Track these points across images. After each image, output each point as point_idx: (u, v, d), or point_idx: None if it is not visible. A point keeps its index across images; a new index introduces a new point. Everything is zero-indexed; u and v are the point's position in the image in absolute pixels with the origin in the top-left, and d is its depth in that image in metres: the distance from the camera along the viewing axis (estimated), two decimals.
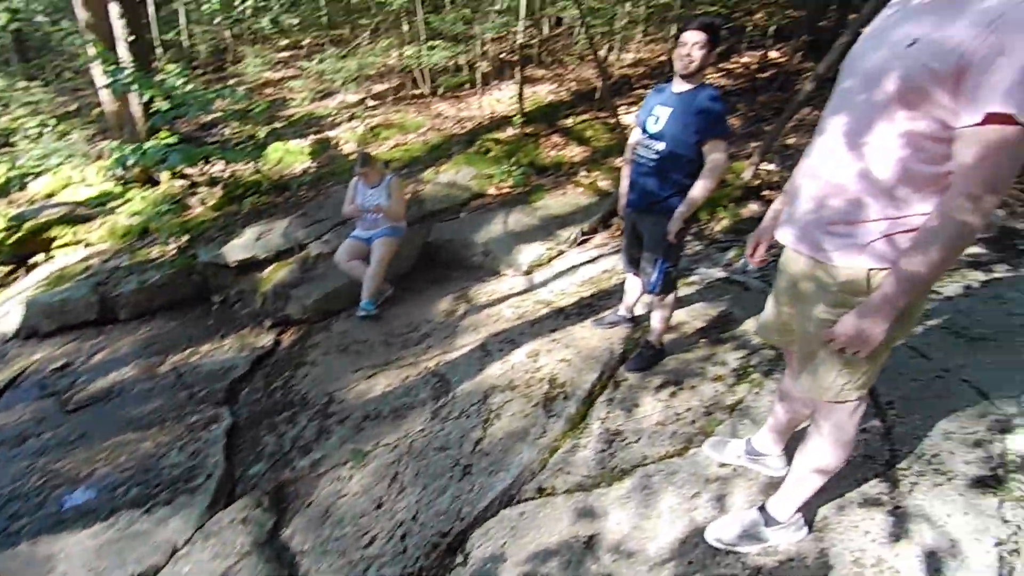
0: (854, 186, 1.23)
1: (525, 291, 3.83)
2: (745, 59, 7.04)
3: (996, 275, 3.32)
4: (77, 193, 6.35)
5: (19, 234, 5.39)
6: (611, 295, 3.52)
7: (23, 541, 2.38)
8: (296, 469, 2.64)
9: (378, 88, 7.40)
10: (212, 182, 6.29)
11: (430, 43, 5.67)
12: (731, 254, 3.98)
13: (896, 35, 1.16)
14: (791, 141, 5.29)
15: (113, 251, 5.33)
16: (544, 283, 3.88)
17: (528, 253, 4.18)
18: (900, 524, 1.74)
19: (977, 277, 3.29)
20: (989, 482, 1.86)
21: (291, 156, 6.24)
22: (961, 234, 1.08)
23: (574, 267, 3.99)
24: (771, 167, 4.86)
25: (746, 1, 7.65)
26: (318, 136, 6.58)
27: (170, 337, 4.21)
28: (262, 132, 6.70)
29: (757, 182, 4.73)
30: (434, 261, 4.51)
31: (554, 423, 2.51)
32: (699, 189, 2.32)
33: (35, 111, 6.58)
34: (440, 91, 6.48)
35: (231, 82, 8.99)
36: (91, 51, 5.54)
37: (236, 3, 6.89)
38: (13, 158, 6.32)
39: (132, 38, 5.91)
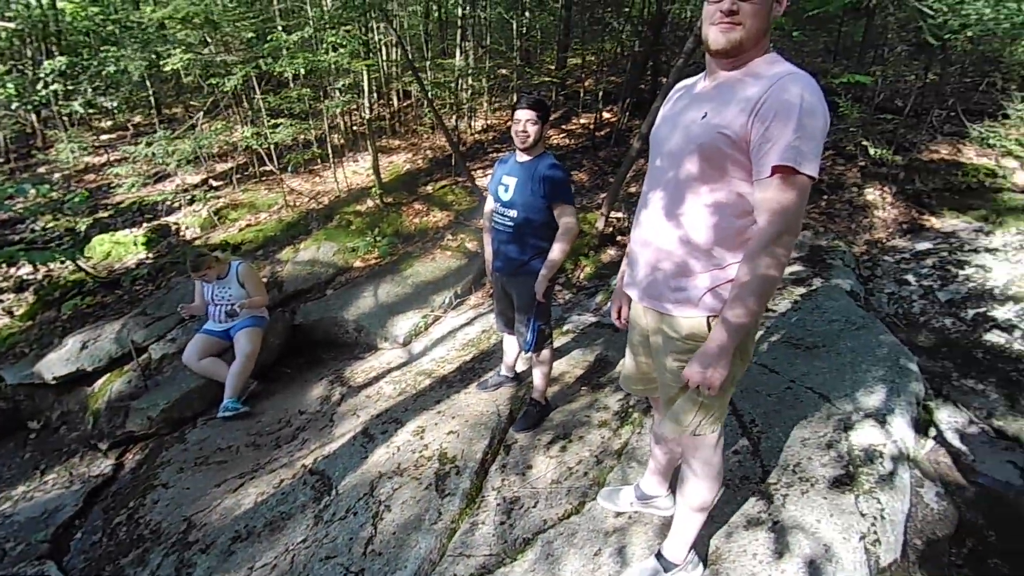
0: (679, 251, 1.39)
1: (404, 363, 3.69)
2: (583, 120, 7.76)
3: (814, 288, 3.87)
4: None
5: None
6: (492, 355, 3.51)
7: None
8: None
9: (221, 167, 6.95)
10: (20, 287, 5.35)
11: (273, 121, 5.47)
12: (599, 298, 4.21)
13: (686, 119, 1.37)
14: (633, 189, 5.85)
15: None
16: (424, 352, 3.77)
17: (404, 323, 4.06)
18: (780, 539, 1.85)
19: (800, 292, 3.80)
20: (844, 480, 2.07)
21: (121, 248, 5.54)
22: (767, 283, 1.26)
23: (452, 332, 3.94)
24: (620, 215, 5.31)
25: (575, 71, 8.52)
26: (153, 223, 5.95)
27: None
28: (82, 224, 5.90)
29: (610, 229, 5.13)
30: (303, 345, 4.20)
31: (449, 503, 2.37)
32: (556, 252, 2.45)
33: None
34: (291, 167, 6.24)
35: (41, 169, 7.89)
36: None
37: (39, 88, 6.14)
38: None
39: None
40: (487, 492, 2.41)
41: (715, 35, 1.26)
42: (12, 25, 6.39)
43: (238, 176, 6.50)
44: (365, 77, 5.64)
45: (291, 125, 5.33)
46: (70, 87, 6.52)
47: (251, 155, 6.41)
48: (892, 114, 6.50)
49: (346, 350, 4.10)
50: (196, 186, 6.38)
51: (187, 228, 5.81)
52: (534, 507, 2.27)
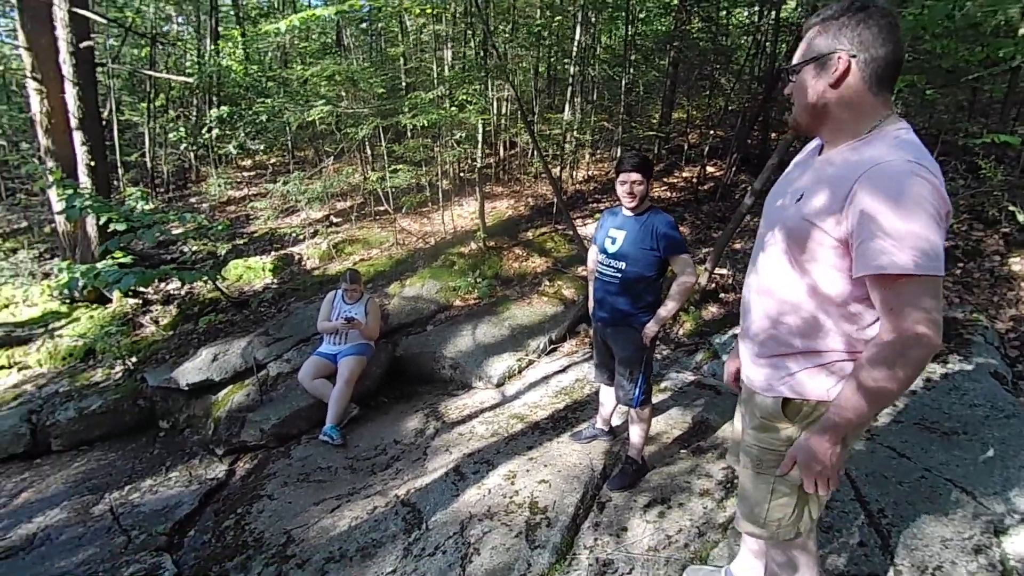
0: (767, 322, 1.33)
1: (497, 405, 3.72)
2: (685, 174, 7.69)
3: (951, 366, 3.46)
4: (18, 313, 6.00)
5: None
6: (585, 406, 3.45)
7: None
8: None
9: (342, 205, 7.61)
10: (167, 300, 6.09)
11: (394, 167, 5.95)
12: (699, 356, 4.04)
13: (788, 192, 1.31)
14: (738, 246, 5.64)
15: (52, 376, 4.96)
16: (517, 395, 3.79)
17: (498, 365, 4.12)
18: None
19: (935, 369, 3.42)
20: None
21: (251, 272, 6.17)
22: (874, 397, 1.12)
23: (546, 377, 3.94)
24: (724, 271, 5.12)
25: (679, 125, 8.52)
26: (280, 252, 6.58)
27: (109, 471, 3.82)
28: (222, 249, 6.67)
29: (713, 285, 4.95)
30: (402, 377, 4.38)
31: (539, 556, 2.31)
32: (669, 307, 2.43)
33: None
34: (404, 208, 6.72)
35: (193, 199, 9.07)
36: (50, 177, 5.53)
37: (203, 131, 7.14)
38: None
39: (92, 163, 5.96)
40: (579, 550, 2.33)
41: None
42: (191, 80, 7.56)
43: (356, 214, 7.07)
44: (480, 129, 6.01)
45: (409, 171, 5.76)
46: (227, 132, 7.53)
47: (369, 196, 6.97)
48: None
49: (441, 386, 4.21)
50: (319, 221, 7.02)
51: (308, 259, 6.37)
52: (629, 574, 2.16)
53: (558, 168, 7.32)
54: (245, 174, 10.17)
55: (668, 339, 4.42)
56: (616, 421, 3.09)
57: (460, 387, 4.14)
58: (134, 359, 4.97)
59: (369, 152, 7.10)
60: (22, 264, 6.84)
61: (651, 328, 2.44)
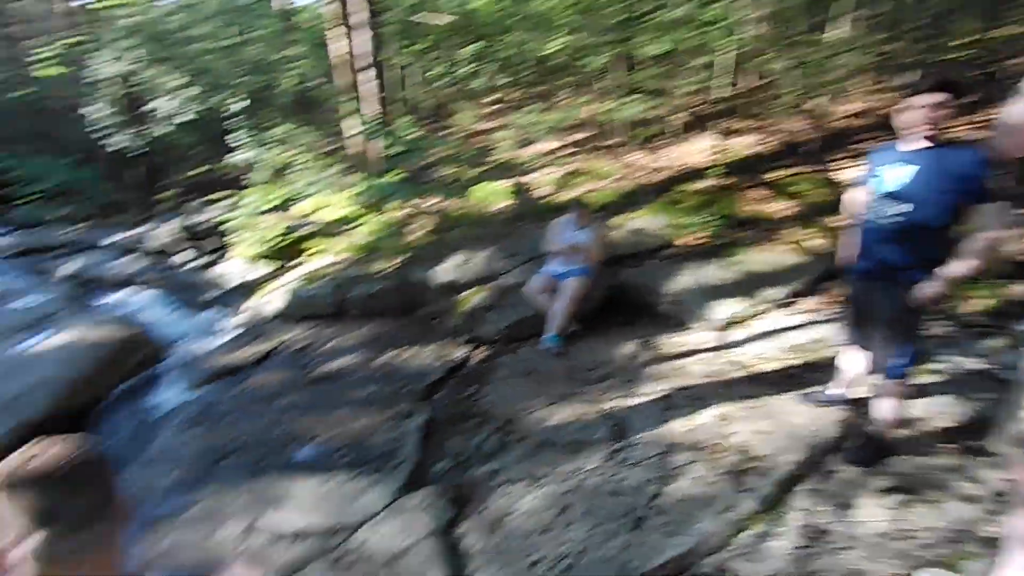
0: None
1: (716, 348, 3.60)
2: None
3: None
4: (330, 213, 7.69)
5: (288, 241, 6.76)
6: (821, 368, 3.10)
7: (265, 476, 2.88)
8: (475, 475, 2.77)
9: (574, 137, 7.78)
10: (429, 212, 7.14)
11: (630, 98, 5.79)
12: (990, 343, 3.25)
13: None
14: None
15: (350, 262, 6.25)
16: (740, 343, 3.60)
17: (722, 309, 3.93)
18: None
19: None
20: None
21: (493, 196, 6.81)
22: None
23: (777, 331, 3.63)
24: None
25: (1002, 44, 6.47)
26: (517, 179, 7.10)
27: (385, 338, 4.68)
28: (470, 174, 7.46)
29: None
30: (619, 305, 4.48)
31: (744, 499, 2.27)
32: (958, 268, 1.99)
33: (307, 149, 8.16)
34: (637, 141, 6.57)
35: (446, 131, 10.22)
36: (345, 109, 6.78)
37: (454, 70, 7.86)
38: (289, 183, 7.90)
39: (382, 95, 7.10)
40: (790, 509, 2.21)
41: None
42: (451, 18, 8.35)
43: (588, 147, 7.18)
44: (723, 56, 5.45)
45: (643, 101, 5.56)
46: (478, 68, 8.18)
47: (601, 128, 6.98)
48: None
49: (659, 320, 4.20)
50: (552, 152, 7.32)
51: (539, 187, 6.76)
52: (847, 550, 1.99)
53: (818, 99, 6.27)
54: (490, 108, 11.00)
55: (951, 314, 3.62)
56: (860, 392, 2.74)
57: (677, 325, 4.07)
58: (403, 257, 5.98)
59: (607, 82, 7.02)
60: (332, 178, 8.60)
61: (931, 287, 2.05)
